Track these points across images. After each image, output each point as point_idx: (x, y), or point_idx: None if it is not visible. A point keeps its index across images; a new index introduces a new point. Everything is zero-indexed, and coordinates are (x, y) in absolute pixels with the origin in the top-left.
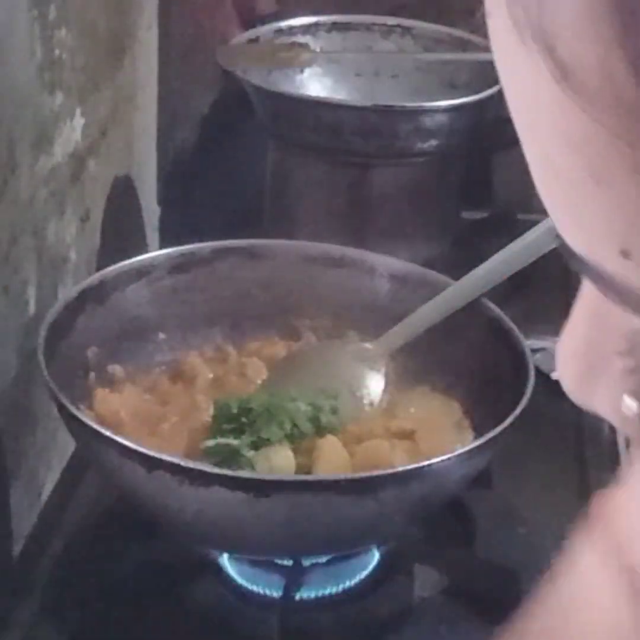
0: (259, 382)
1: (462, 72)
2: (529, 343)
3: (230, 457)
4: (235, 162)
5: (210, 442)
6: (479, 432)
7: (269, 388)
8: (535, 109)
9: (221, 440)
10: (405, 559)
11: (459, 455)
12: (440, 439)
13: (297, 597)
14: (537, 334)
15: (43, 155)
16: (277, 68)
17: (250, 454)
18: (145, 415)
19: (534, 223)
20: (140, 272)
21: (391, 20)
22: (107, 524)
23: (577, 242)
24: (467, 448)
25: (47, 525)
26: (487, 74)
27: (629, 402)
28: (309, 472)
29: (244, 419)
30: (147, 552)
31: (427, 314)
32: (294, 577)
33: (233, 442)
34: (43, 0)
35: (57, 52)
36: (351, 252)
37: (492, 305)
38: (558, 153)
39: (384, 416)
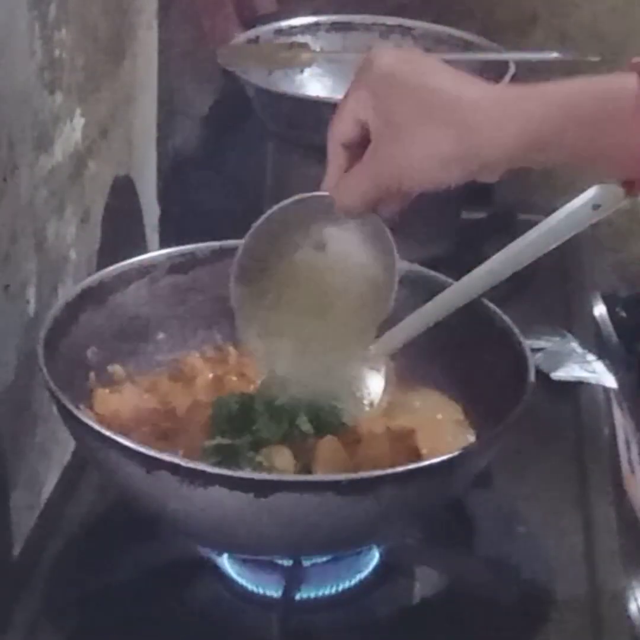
0: (259, 382)
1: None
2: (529, 343)
3: (230, 457)
4: (235, 162)
5: (211, 442)
6: (479, 432)
7: (269, 388)
8: None
9: (221, 440)
10: (405, 559)
11: (459, 455)
12: (440, 439)
13: (297, 597)
14: (537, 334)
15: (43, 155)
16: (277, 68)
17: (250, 454)
18: (145, 415)
19: (534, 223)
20: (140, 272)
21: (391, 20)
22: (107, 524)
23: None
24: (467, 448)
25: (47, 525)
26: (487, 74)
27: None
28: (309, 472)
29: (243, 419)
30: (147, 552)
31: (427, 314)
32: (294, 577)
33: (233, 442)
34: (43, 0)
35: (57, 52)
36: None
37: (492, 305)
38: None
39: (384, 416)
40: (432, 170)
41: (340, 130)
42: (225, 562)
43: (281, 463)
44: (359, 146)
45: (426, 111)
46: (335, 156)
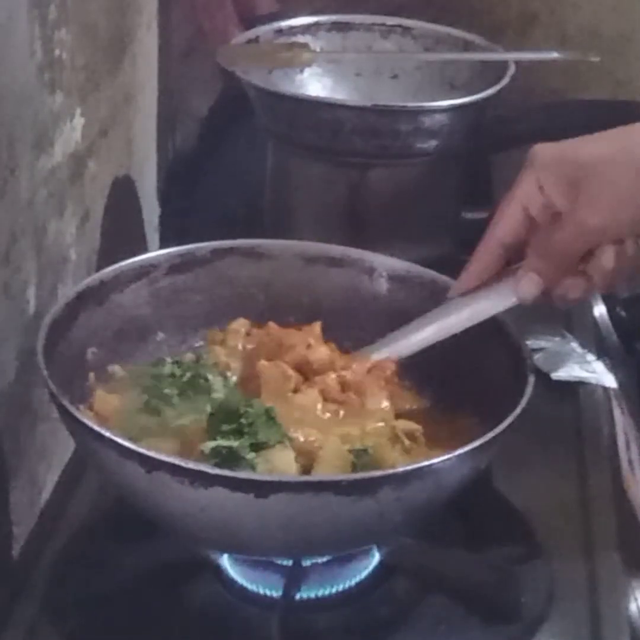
0: None
1: (462, 72)
2: (529, 343)
3: (230, 458)
4: (235, 162)
5: (210, 444)
6: (479, 432)
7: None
8: None
9: (221, 442)
10: (405, 559)
11: (459, 455)
12: (440, 439)
13: (297, 597)
14: (537, 334)
15: (43, 155)
16: (277, 68)
17: (250, 455)
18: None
19: None
20: (140, 272)
21: (391, 20)
22: (107, 524)
23: None
24: (467, 448)
25: (47, 525)
26: (487, 74)
27: None
28: (309, 473)
29: (243, 420)
30: (147, 552)
31: (434, 329)
32: (294, 577)
33: (233, 443)
34: (43, 0)
35: (57, 52)
36: (351, 252)
37: None
38: None
39: (385, 416)
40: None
41: (505, 230)
42: (225, 562)
43: (282, 464)
44: (514, 248)
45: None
46: (489, 256)
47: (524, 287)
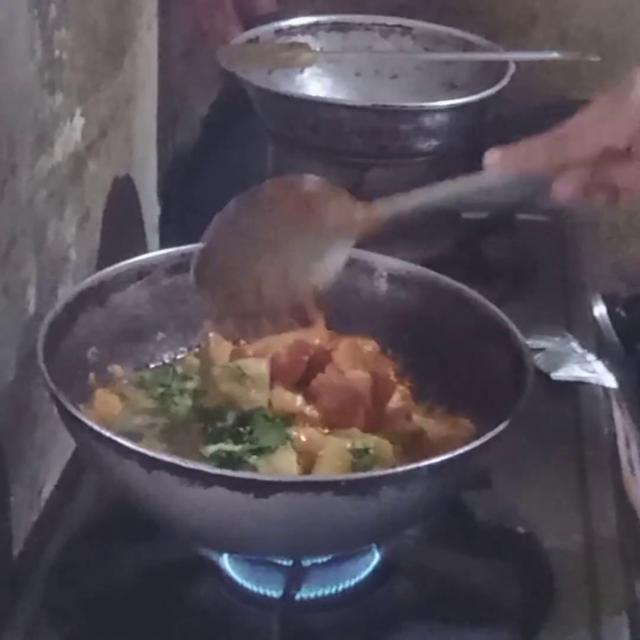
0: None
1: (462, 72)
2: (529, 343)
3: (231, 461)
4: (235, 162)
5: (212, 448)
6: (478, 432)
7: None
8: None
9: (223, 446)
10: (405, 559)
11: (459, 455)
12: (440, 439)
13: (297, 597)
14: (537, 334)
15: (43, 155)
16: (277, 68)
17: (252, 459)
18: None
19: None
20: (140, 272)
21: (391, 20)
22: (107, 524)
23: None
24: (467, 448)
25: (47, 525)
26: (487, 74)
27: None
28: (309, 473)
29: (241, 429)
30: (147, 552)
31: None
32: (294, 577)
33: (235, 448)
34: (43, 0)
35: (57, 52)
36: (351, 252)
37: (492, 305)
38: None
39: (385, 417)
40: None
41: (576, 155)
42: (225, 562)
43: (283, 466)
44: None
45: None
46: (546, 161)
47: (563, 191)
